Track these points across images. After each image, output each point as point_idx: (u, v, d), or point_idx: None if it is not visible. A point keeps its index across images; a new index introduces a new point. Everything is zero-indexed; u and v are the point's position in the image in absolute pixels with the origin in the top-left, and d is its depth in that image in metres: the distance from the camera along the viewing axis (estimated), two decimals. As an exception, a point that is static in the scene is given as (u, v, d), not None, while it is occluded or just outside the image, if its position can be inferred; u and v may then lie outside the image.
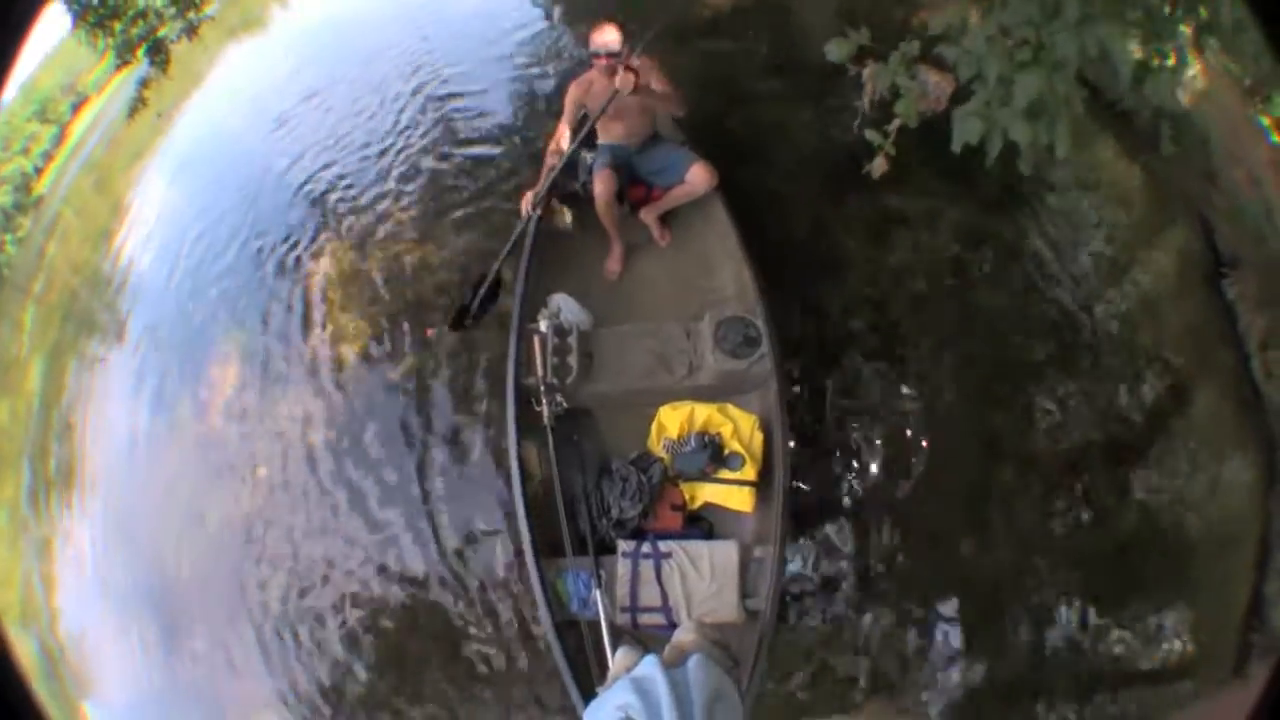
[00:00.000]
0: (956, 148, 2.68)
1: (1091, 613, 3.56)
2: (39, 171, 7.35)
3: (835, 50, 2.83)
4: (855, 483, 3.76)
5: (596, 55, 3.44)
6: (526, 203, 3.63)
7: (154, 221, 5.98)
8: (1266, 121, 4.98)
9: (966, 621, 3.52)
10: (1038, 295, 4.34)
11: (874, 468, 3.77)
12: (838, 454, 3.80)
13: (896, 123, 2.82)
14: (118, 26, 5.35)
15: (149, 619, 4.15)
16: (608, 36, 3.40)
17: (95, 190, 6.88)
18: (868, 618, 3.52)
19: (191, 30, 5.77)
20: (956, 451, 3.86)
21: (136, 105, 6.98)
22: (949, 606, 3.55)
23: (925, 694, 3.43)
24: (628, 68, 3.30)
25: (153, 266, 5.62)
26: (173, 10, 5.57)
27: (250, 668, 3.78)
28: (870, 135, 2.87)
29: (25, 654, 3.94)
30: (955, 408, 3.95)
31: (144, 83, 6.45)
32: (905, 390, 3.96)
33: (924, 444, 3.83)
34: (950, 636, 3.50)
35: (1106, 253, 4.64)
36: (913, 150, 2.89)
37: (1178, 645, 3.58)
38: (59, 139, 7.46)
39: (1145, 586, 3.67)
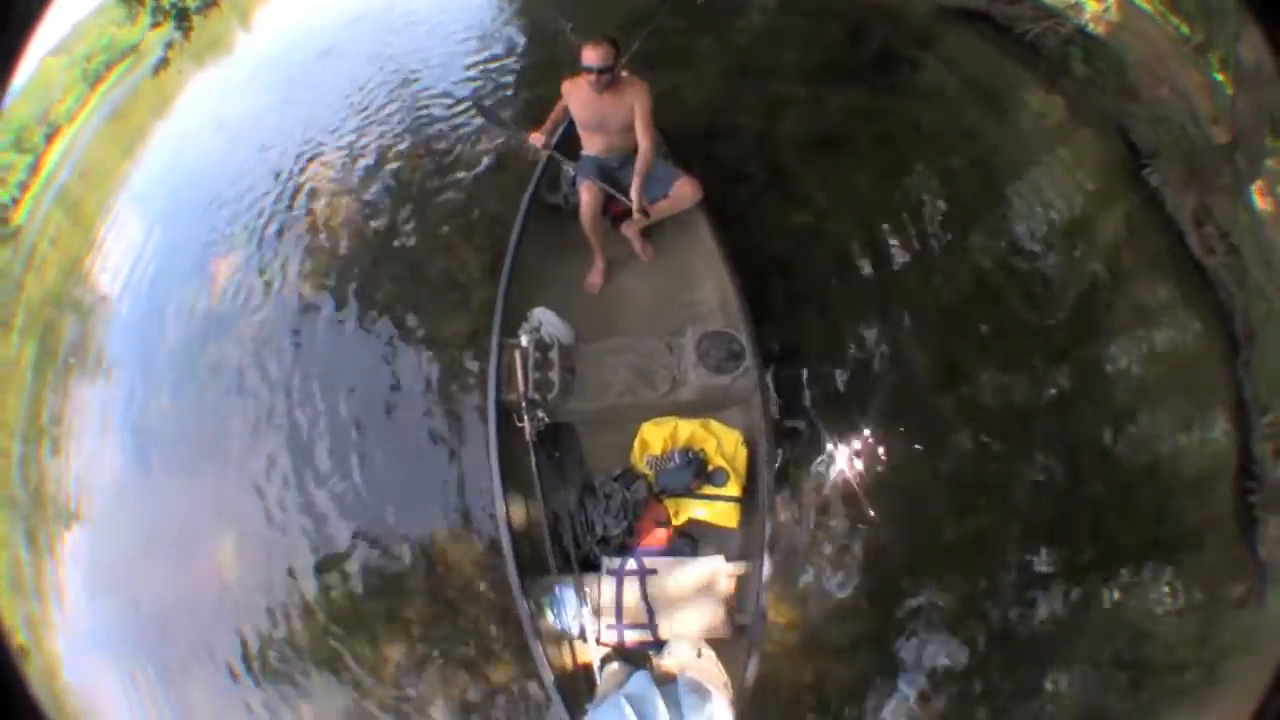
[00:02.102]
0: None
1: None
2: (15, 202, 7.31)
3: None
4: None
5: (589, 70, 3.45)
6: (537, 139, 3.80)
7: (128, 244, 5.97)
8: (1222, 78, 4.93)
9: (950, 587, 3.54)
10: (981, 217, 4.57)
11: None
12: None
13: None
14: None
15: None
16: (593, 54, 3.42)
17: (69, 219, 6.85)
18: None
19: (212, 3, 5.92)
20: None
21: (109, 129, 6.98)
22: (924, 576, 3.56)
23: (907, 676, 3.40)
24: (641, 210, 3.50)
25: (130, 286, 5.61)
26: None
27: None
28: None
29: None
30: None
31: (116, 108, 6.49)
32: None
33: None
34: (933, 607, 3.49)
35: (1032, 165, 4.90)
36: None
37: (1175, 528, 3.65)
38: (34, 169, 7.43)
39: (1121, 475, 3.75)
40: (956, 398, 3.93)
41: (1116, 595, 3.50)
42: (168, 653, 3.90)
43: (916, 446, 3.79)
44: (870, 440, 3.78)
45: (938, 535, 3.61)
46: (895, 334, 4.08)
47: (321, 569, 3.82)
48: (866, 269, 4.32)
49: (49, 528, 4.77)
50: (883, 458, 3.74)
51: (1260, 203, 4.23)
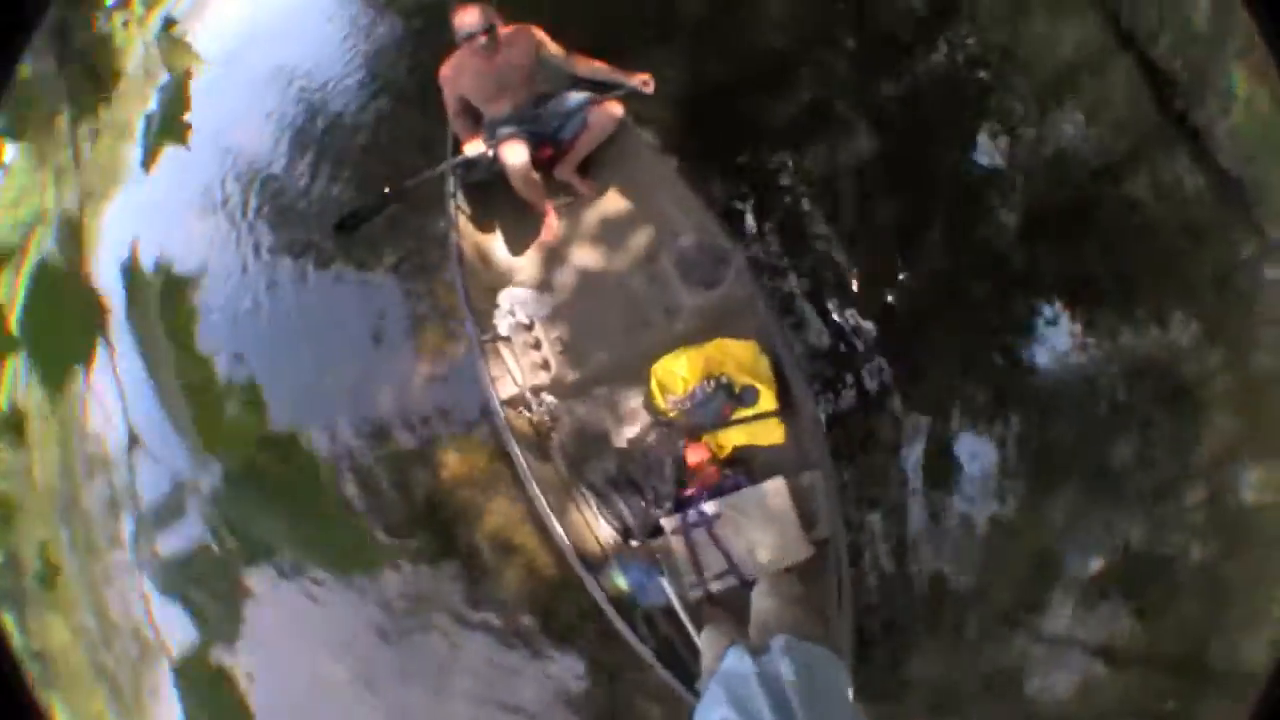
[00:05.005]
0: None
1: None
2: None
3: None
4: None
5: (471, 36, 3.22)
6: (475, 145, 3.39)
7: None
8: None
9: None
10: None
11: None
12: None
13: None
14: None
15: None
16: (470, 17, 3.21)
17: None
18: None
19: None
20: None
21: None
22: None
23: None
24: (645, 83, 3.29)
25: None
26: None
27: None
28: None
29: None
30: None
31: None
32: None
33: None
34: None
35: None
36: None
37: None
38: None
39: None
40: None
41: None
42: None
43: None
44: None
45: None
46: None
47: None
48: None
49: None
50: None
51: None
